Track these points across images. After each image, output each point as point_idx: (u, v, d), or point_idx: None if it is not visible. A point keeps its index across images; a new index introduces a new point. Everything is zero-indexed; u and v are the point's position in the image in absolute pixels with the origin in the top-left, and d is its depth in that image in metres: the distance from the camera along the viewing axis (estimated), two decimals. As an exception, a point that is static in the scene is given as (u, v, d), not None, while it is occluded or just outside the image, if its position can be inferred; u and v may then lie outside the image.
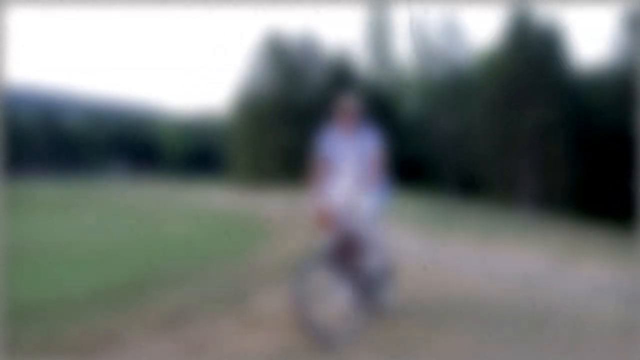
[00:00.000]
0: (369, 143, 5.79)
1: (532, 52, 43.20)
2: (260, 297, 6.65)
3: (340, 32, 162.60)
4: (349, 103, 5.82)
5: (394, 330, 5.47)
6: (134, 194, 45.12)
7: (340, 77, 62.97)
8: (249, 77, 62.30)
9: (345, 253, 5.39)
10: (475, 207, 26.87)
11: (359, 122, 5.86)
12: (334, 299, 5.11)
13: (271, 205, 22.95)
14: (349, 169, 5.76)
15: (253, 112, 54.69)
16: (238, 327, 5.42)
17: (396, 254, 10.07)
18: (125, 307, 6.35)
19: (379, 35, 73.25)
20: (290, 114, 59.60)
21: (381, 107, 63.99)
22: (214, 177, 75.22)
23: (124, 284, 7.65)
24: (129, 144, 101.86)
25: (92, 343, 5.11)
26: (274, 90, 61.44)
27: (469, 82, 55.97)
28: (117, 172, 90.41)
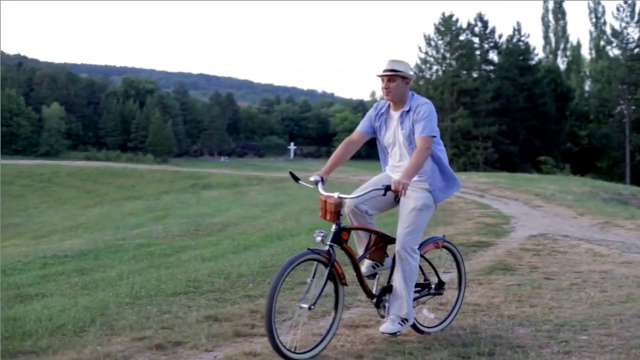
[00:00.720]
0: (416, 122, 4.50)
1: None
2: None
3: (516, 17, 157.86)
4: (387, 69, 4.52)
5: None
6: (307, 174, 46.38)
7: (514, 61, 61.13)
8: (423, 62, 62.18)
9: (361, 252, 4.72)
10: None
11: (403, 93, 4.56)
12: (313, 305, 4.21)
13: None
14: (394, 152, 4.75)
15: (426, 96, 54.77)
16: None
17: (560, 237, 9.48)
18: (291, 284, 6.24)
19: (556, 18, 70.24)
20: (463, 97, 58.79)
21: (557, 91, 61.36)
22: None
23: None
24: (303, 128, 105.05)
25: (257, 319, 5.08)
26: (446, 74, 60.92)
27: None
28: (291, 154, 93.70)
